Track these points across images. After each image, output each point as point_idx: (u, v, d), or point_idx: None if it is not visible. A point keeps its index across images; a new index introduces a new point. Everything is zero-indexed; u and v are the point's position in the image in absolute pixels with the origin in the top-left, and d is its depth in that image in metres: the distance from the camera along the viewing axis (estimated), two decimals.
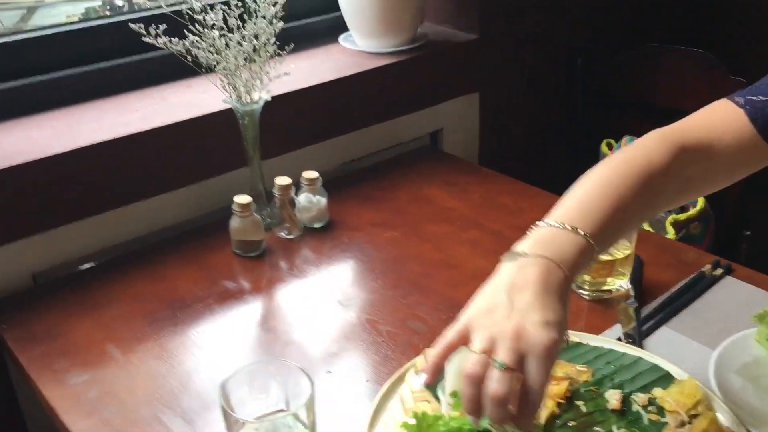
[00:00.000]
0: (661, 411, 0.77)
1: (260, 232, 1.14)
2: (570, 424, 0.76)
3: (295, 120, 1.29)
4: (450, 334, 0.67)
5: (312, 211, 1.20)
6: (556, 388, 0.79)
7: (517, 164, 1.55)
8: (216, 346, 0.95)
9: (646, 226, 1.39)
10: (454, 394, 0.69)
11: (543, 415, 0.75)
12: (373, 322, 0.97)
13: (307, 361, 0.90)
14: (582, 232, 0.68)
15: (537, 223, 0.71)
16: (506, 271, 0.68)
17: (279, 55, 1.12)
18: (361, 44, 1.45)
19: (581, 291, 1.00)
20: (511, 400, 0.61)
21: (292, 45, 1.12)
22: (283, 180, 1.16)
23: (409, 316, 0.98)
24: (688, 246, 1.15)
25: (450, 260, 1.10)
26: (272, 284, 1.08)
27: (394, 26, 1.42)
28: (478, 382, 0.63)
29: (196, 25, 1.06)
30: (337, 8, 1.46)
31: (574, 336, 0.88)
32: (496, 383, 0.61)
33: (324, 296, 1.04)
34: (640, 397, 0.79)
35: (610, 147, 1.55)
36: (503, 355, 0.62)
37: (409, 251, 1.14)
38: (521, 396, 0.62)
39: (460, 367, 0.66)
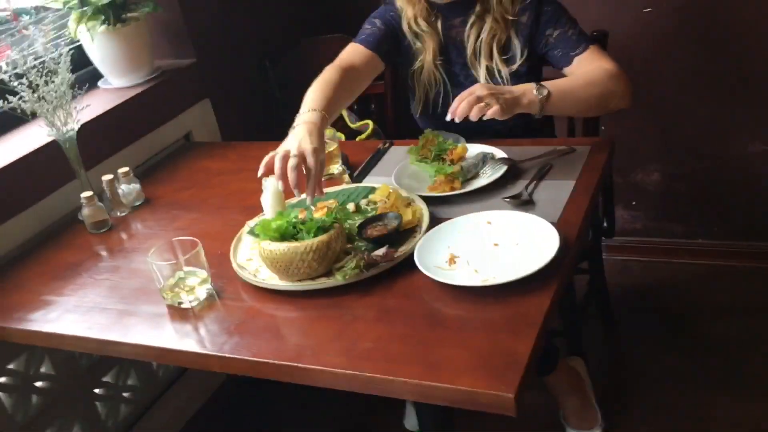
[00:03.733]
0: (374, 203, 1.48)
1: (105, 213, 1.65)
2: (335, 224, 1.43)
3: (104, 136, 1.83)
4: (269, 155, 1.38)
5: (132, 195, 1.73)
6: (321, 212, 1.45)
7: (251, 137, 2.19)
8: (111, 276, 1.47)
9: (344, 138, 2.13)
10: (275, 214, 1.32)
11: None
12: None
13: None
14: (319, 110, 1.45)
15: (300, 112, 1.46)
16: (292, 133, 1.42)
17: (79, 94, 1.64)
18: (116, 83, 2.00)
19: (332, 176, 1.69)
20: (299, 173, 1.35)
21: (87, 85, 1.65)
22: (107, 177, 1.68)
23: (229, 222, 1.58)
24: (370, 141, 1.91)
25: (236, 191, 1.72)
26: (123, 243, 1.61)
27: (135, 65, 1.99)
28: (284, 162, 1.34)
29: (18, 86, 1.55)
30: (88, 63, 1.99)
31: (326, 190, 1.57)
32: (292, 161, 1.34)
33: (162, 237, 1.60)
34: (363, 201, 1.49)
35: None
36: (293, 154, 1.35)
37: (207, 195, 1.73)
38: (307, 172, 1.36)
39: (271, 189, 1.31)
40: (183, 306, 1.30)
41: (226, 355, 1.17)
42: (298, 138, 1.39)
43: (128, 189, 1.72)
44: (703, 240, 2.48)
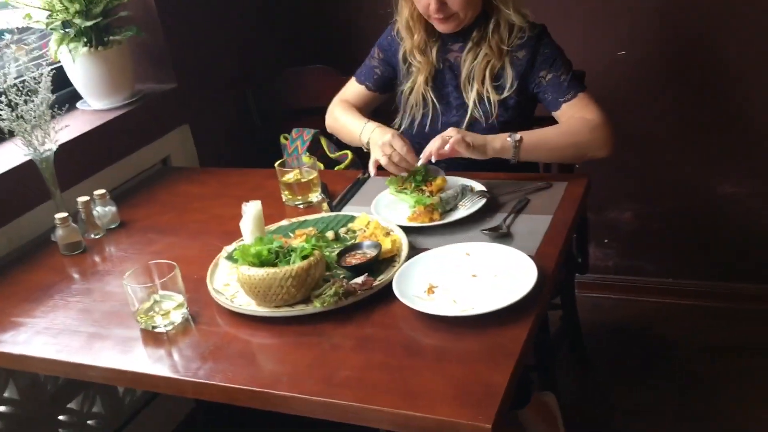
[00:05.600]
0: (353, 232, 1.48)
1: (78, 235, 1.63)
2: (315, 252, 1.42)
3: (81, 158, 1.81)
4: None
5: (107, 217, 1.71)
6: (300, 240, 1.45)
7: (230, 165, 2.19)
8: (83, 298, 1.44)
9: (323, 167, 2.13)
10: (254, 239, 1.32)
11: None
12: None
13: None
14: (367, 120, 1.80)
15: (359, 129, 1.79)
16: (372, 141, 1.73)
17: (58, 114, 1.63)
18: (95, 105, 1.99)
19: (298, 205, 1.69)
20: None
21: (67, 106, 1.64)
22: (82, 198, 1.66)
23: (207, 247, 1.56)
24: (349, 170, 1.92)
25: (214, 216, 1.71)
26: (97, 266, 1.58)
27: (116, 88, 1.98)
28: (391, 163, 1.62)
29: None
30: (68, 85, 1.98)
31: (302, 218, 1.56)
32: (395, 156, 1.62)
33: (137, 261, 1.57)
34: (342, 230, 1.49)
35: (286, 138, 2.28)
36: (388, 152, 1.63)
37: (185, 219, 1.72)
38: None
39: (251, 214, 1.31)
40: (157, 330, 1.29)
41: (200, 380, 1.15)
42: (382, 136, 1.67)
43: (104, 211, 1.70)
44: (673, 279, 2.52)
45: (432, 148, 1.56)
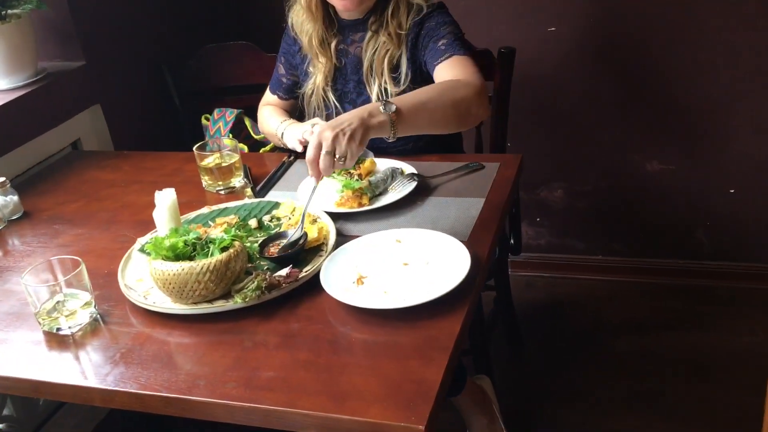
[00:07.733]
0: (277, 219, 1.40)
1: None
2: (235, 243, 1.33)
3: None
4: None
5: (9, 207, 1.58)
6: (220, 229, 1.35)
7: (147, 148, 2.06)
8: None
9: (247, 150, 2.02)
10: (169, 230, 1.22)
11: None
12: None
13: None
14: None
15: (277, 127, 1.76)
16: (289, 130, 1.70)
17: None
18: None
19: (220, 191, 1.59)
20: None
21: None
22: None
23: (119, 239, 1.45)
24: (275, 153, 1.82)
25: (128, 204, 1.59)
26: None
27: (16, 66, 1.82)
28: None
29: None
30: None
31: (223, 205, 1.47)
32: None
33: (41, 255, 1.45)
34: (266, 217, 1.41)
35: (207, 119, 2.16)
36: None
37: (95, 208, 1.60)
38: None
39: (165, 203, 1.20)
40: (62, 332, 1.18)
41: (110, 387, 1.06)
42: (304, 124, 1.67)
43: (4, 201, 1.56)
44: (602, 256, 2.53)
45: (316, 173, 1.22)
